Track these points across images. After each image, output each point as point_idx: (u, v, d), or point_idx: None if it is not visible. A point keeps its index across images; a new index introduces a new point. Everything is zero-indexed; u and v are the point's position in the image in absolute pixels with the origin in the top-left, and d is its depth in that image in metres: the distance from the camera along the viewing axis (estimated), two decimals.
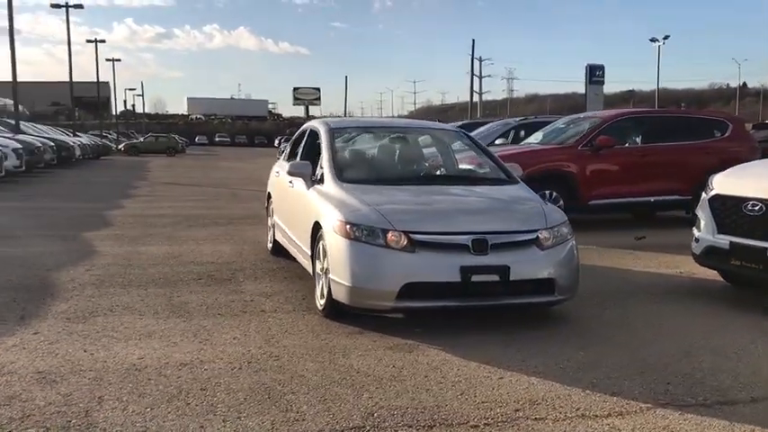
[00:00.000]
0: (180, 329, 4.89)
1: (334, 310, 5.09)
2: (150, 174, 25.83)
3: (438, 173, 6.34)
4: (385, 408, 3.53)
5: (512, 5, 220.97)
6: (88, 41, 52.27)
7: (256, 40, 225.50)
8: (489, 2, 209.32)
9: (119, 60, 63.41)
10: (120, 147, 51.32)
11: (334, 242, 4.94)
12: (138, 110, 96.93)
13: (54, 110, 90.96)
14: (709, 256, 5.99)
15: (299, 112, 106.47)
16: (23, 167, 19.29)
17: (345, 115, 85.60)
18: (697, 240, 6.16)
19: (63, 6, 40.22)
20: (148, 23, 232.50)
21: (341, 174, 5.71)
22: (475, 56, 63.56)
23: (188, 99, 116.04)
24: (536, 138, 11.53)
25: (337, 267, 4.90)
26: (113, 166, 31.40)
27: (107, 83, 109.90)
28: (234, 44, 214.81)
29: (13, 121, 26.41)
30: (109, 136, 58.11)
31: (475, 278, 4.74)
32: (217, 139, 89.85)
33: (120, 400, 3.56)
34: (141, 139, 55.18)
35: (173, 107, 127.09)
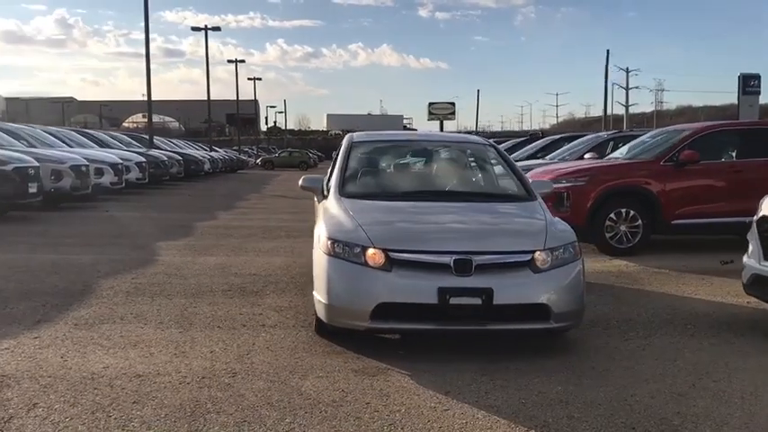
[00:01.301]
0: (167, 340, 4.96)
1: (322, 328, 4.97)
2: (267, 187, 26.84)
3: (450, 188, 6.06)
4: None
5: (663, 15, 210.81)
6: (229, 61, 55.16)
7: (398, 57, 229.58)
8: (640, 12, 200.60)
9: (259, 79, 66.69)
10: (257, 161, 53.76)
11: (317, 258, 4.84)
12: (283, 126, 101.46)
13: (207, 127, 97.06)
14: (755, 285, 5.32)
15: (434, 126, 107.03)
16: (146, 180, 20.60)
17: (476, 129, 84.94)
18: (744, 267, 5.49)
19: (202, 29, 42.83)
20: (298, 44, 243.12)
21: (343, 188, 5.60)
22: (622, 67, 61.21)
23: (328, 115, 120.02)
24: (621, 152, 10.83)
25: (318, 284, 4.79)
26: (240, 180, 32.95)
27: (256, 101, 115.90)
28: (377, 61, 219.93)
29: (165, 138, 28.29)
30: (249, 151, 60.99)
31: (453, 300, 4.46)
32: None
33: (49, 409, 3.63)
34: (277, 154, 57.54)
35: (315, 123, 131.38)
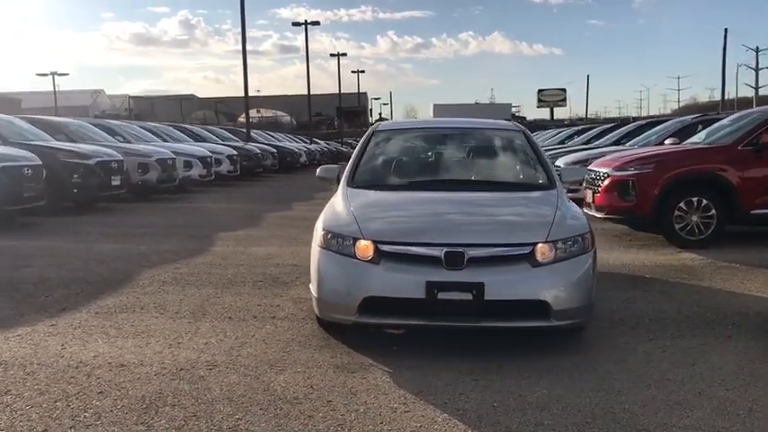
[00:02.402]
0: (171, 330, 5.00)
1: (322, 321, 4.87)
2: None
3: (466, 177, 5.76)
4: (233, 428, 3.29)
5: None
6: (332, 55, 55.94)
7: (510, 44, 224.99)
8: None
9: (362, 72, 67.35)
10: None
11: (312, 250, 4.73)
12: (390, 118, 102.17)
13: (317, 120, 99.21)
14: None
15: (544, 114, 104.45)
16: (238, 172, 21.21)
17: (586, 116, 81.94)
18: None
19: (302, 24, 43.63)
20: (408, 35, 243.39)
21: (353, 178, 5.46)
22: (751, 46, 57.28)
23: (434, 105, 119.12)
24: (699, 137, 10.05)
25: (312, 277, 4.68)
26: None
27: (364, 93, 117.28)
28: (488, 49, 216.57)
29: (270, 132, 29.11)
30: (352, 142, 61.75)
31: (442, 295, 4.23)
32: None
33: (18, 396, 3.71)
34: None
35: (423, 114, 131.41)
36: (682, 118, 13.87)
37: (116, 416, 3.45)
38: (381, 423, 3.38)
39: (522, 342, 4.61)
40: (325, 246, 4.59)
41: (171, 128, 21.84)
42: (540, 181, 5.41)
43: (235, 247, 8.87)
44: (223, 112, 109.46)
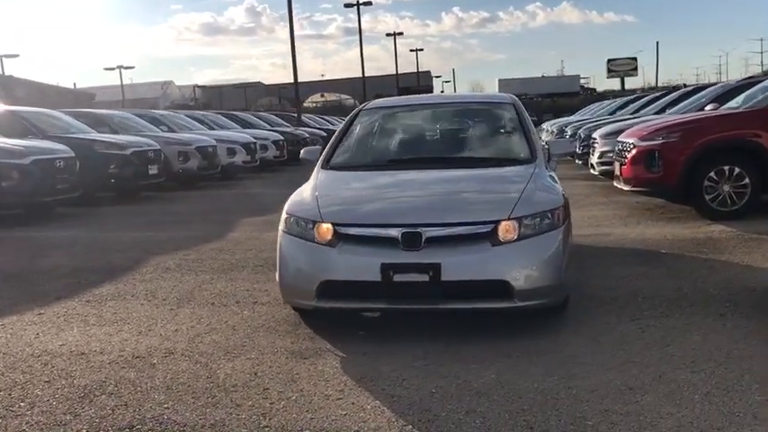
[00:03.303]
0: (149, 318, 5.01)
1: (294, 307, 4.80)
2: None
3: (444, 155, 5.53)
4: (157, 417, 3.25)
5: None
6: (388, 35, 55.63)
7: (580, 14, 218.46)
8: None
9: (421, 50, 66.82)
10: None
11: (278, 234, 4.65)
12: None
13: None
14: None
15: (614, 84, 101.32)
16: (285, 157, 21.32)
17: (656, 85, 78.99)
18: None
19: (354, 5, 43.45)
20: (474, 10, 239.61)
21: (329, 159, 5.34)
22: None
23: (499, 80, 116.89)
24: (737, 101, 9.44)
25: (277, 262, 4.61)
26: None
27: (428, 72, 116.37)
28: (556, 20, 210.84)
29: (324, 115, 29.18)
30: None
31: (398, 278, 4.08)
32: None
33: None
34: None
35: (489, 90, 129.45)
36: (726, 82, 13.08)
37: (50, 405, 3.46)
38: (307, 411, 3.28)
39: (495, 324, 4.41)
40: (288, 230, 4.50)
41: (219, 115, 22.13)
42: (521, 155, 5.16)
43: (250, 232, 8.88)
44: (287, 97, 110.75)
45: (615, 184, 9.44)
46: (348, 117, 5.94)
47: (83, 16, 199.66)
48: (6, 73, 47.94)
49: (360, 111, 6.01)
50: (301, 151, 5.86)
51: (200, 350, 4.24)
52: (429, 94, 7.65)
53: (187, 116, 19.61)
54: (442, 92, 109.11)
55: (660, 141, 8.37)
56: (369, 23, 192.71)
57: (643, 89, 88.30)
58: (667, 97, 14.27)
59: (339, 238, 4.26)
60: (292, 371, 3.82)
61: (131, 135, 14.29)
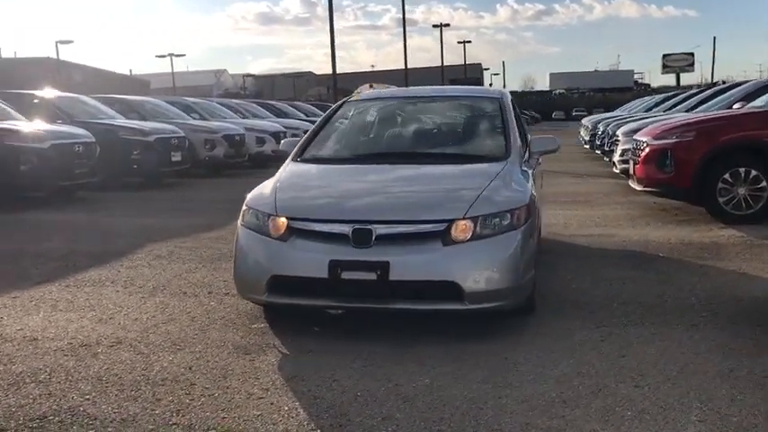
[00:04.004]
0: (117, 305, 5.01)
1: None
2: None
3: (418, 150, 5.36)
4: (73, 409, 3.21)
5: None
6: (434, 26, 55.20)
7: (638, 7, 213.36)
8: None
9: (469, 42, 66.10)
10: None
11: (237, 227, 4.59)
12: (505, 88, 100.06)
13: None
14: None
15: (669, 80, 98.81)
16: None
17: (712, 81, 76.51)
18: None
19: None
20: (529, 2, 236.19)
21: (301, 152, 5.25)
22: None
23: (550, 74, 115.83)
24: (763, 100, 9.01)
25: (233, 255, 4.55)
26: None
27: (479, 64, 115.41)
28: (613, 14, 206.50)
29: None
30: None
31: (346, 275, 3.97)
32: (574, 114, 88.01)
33: None
34: None
35: (541, 84, 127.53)
36: (759, 80, 12.50)
37: None
38: (223, 410, 3.20)
39: (453, 326, 4.26)
40: (245, 222, 4.44)
41: (254, 104, 22.28)
42: (493, 152, 4.97)
43: None
44: (338, 88, 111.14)
45: (630, 183, 9.14)
46: (330, 109, 5.84)
47: (141, 3, 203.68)
48: (61, 59, 49.13)
49: (342, 103, 5.91)
50: (282, 142, 5.78)
51: (149, 341, 4.21)
52: (419, 88, 7.46)
53: (220, 104, 19.79)
54: (491, 84, 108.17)
55: (673, 140, 8.04)
56: (423, 14, 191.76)
57: (699, 86, 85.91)
58: (701, 95, 13.76)
59: (292, 232, 4.18)
60: (228, 366, 3.75)
61: (158, 122, 14.46)
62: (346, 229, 4.04)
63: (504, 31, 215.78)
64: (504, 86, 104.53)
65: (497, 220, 4.08)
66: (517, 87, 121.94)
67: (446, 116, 5.91)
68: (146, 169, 12.96)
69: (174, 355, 3.96)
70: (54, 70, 45.66)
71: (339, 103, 5.92)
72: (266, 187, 4.66)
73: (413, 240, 4.02)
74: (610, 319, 4.47)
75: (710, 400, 3.19)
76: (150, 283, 5.70)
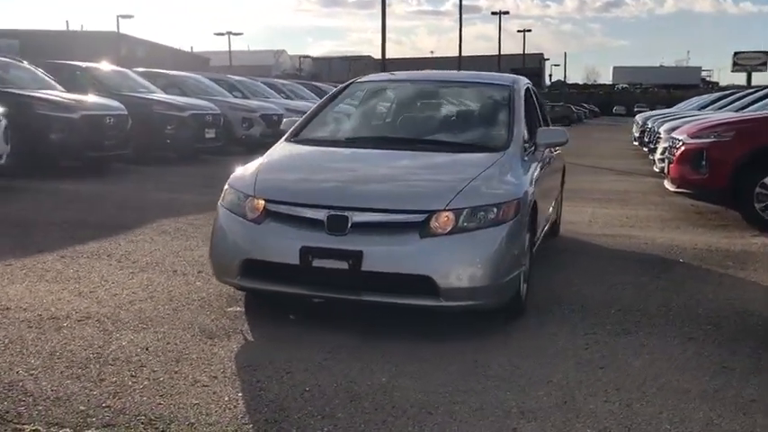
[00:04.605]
0: (102, 280, 4.94)
1: None
2: None
3: (415, 136, 5.10)
4: (12, 384, 3.12)
5: None
6: (493, 13, 54.32)
7: (712, 2, 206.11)
8: None
9: (529, 31, 65.01)
10: None
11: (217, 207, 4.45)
12: (569, 80, 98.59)
13: None
14: None
15: (740, 79, 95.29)
16: None
17: None
18: None
19: None
20: None
21: (296, 133, 5.08)
22: None
23: (614, 68, 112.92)
24: None
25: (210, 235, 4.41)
26: None
27: (541, 54, 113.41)
28: (686, 8, 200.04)
29: None
30: None
31: (317, 263, 3.79)
32: (635, 109, 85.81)
33: None
34: None
35: (605, 77, 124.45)
36: None
37: None
38: (162, 396, 3.07)
39: (433, 322, 4.05)
40: (224, 202, 4.30)
41: (300, 86, 22.23)
42: (492, 142, 4.70)
43: None
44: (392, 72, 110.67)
45: (665, 183, 8.71)
46: (335, 90, 5.65)
47: None
48: (125, 33, 50.13)
49: (349, 84, 5.70)
50: (284, 121, 5.62)
51: (118, 318, 4.11)
52: (433, 72, 7.18)
53: (266, 84, 19.77)
54: (550, 75, 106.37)
55: (710, 140, 7.61)
56: (487, 1, 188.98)
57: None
58: (756, 94, 13.08)
59: (268, 215, 4.01)
60: (185, 350, 3.63)
61: (198, 98, 14.49)
62: (321, 214, 3.86)
63: (569, 22, 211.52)
64: (565, 78, 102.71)
65: (482, 213, 3.84)
66: (579, 80, 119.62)
67: (451, 102, 5.65)
68: (179, 144, 13.01)
69: (137, 334, 3.85)
70: (118, 43, 46.60)
71: (347, 83, 5.72)
72: (249, 168, 4.50)
73: (390, 230, 3.81)
74: (602, 325, 4.18)
75: (683, 423, 2.92)
76: (145, 258, 5.63)
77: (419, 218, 3.79)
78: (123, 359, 3.47)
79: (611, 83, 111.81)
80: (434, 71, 6.71)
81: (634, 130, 20.91)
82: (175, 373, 3.33)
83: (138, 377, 3.26)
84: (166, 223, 7.09)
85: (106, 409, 2.92)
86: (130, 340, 3.74)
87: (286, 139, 5.01)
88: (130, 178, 10.92)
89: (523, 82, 5.57)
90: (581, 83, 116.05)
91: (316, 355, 3.58)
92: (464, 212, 3.81)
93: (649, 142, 14.61)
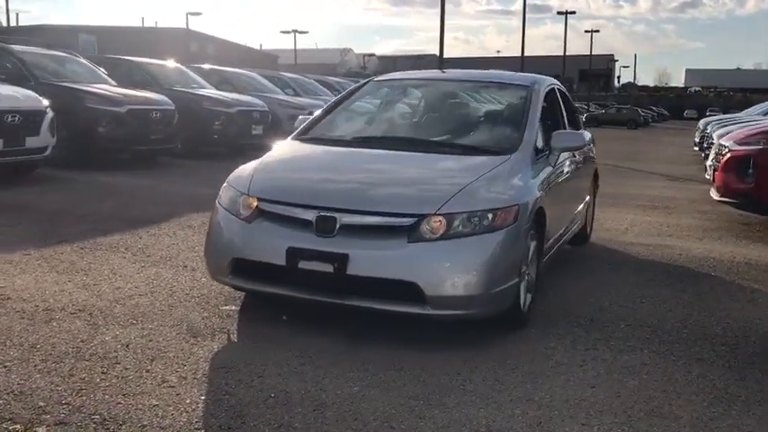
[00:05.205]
0: (109, 272, 4.97)
1: None
2: None
3: (421, 137, 4.93)
4: None
5: None
6: (559, 13, 53.24)
7: None
8: None
9: (597, 31, 63.54)
10: (583, 118, 51.53)
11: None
12: (639, 83, 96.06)
13: None
14: None
15: None
16: None
17: None
18: None
19: None
20: None
21: (304, 131, 5.00)
22: None
23: (686, 71, 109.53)
24: None
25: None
26: None
27: (611, 55, 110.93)
28: None
29: None
30: (578, 107, 58.57)
31: (303, 265, 3.70)
32: (708, 113, 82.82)
33: None
34: (603, 111, 54.44)
35: (677, 80, 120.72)
36: None
37: None
38: (125, 395, 3.03)
39: (427, 329, 3.91)
40: (220, 200, 4.25)
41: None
42: (500, 145, 4.50)
43: None
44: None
45: (710, 192, 8.29)
46: (352, 87, 5.54)
47: None
48: (196, 31, 51.29)
49: (367, 82, 5.59)
50: (297, 119, 5.54)
51: (112, 312, 4.11)
52: (452, 71, 6.95)
53: (318, 81, 19.85)
54: (618, 77, 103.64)
55: (758, 147, 7.20)
56: (558, 1, 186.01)
57: None
58: None
59: (260, 214, 3.95)
60: (165, 348, 3.59)
61: (250, 95, 14.61)
62: (310, 215, 3.77)
63: (643, 22, 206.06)
64: (634, 80, 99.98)
65: (476, 219, 3.68)
66: (650, 82, 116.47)
67: (467, 103, 5.46)
68: (225, 140, 13.14)
69: (123, 329, 3.83)
70: (190, 40, 47.74)
71: (365, 81, 5.61)
72: (249, 165, 4.44)
73: (378, 234, 3.69)
74: (606, 341, 3.96)
75: None
76: (161, 252, 5.66)
77: (408, 222, 3.66)
78: (100, 355, 3.45)
79: (683, 86, 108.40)
80: (458, 70, 6.51)
81: (696, 134, 20.15)
82: (146, 371, 3.29)
83: (108, 374, 3.23)
84: (194, 218, 7.12)
85: (64, 407, 2.89)
86: (114, 336, 3.73)
87: (293, 137, 4.93)
88: (174, 172, 11.07)
89: (546, 83, 5.35)
90: (651, 85, 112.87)
91: (294, 360, 3.49)
92: (457, 217, 3.65)
93: (706, 148, 14.02)
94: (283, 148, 4.75)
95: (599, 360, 3.66)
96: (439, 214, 3.65)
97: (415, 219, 3.65)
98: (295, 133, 5.00)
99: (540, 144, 4.63)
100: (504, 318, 3.89)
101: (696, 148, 18.82)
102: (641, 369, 3.56)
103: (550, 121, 5.23)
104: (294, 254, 3.70)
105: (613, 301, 4.77)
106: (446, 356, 3.61)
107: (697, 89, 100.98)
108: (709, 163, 10.21)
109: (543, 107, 5.05)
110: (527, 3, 37.49)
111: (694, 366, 3.63)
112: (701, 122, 18.95)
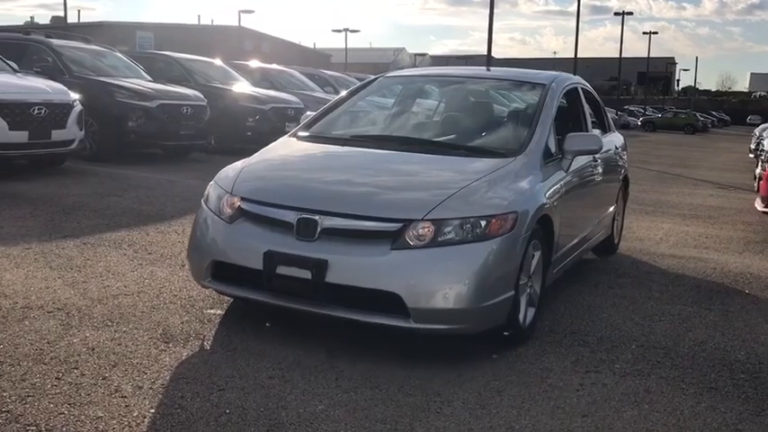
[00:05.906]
0: (105, 270, 4.82)
1: None
2: None
3: (422, 136, 4.63)
4: None
5: None
6: (616, 14, 51.97)
7: None
8: None
9: (655, 33, 62.09)
10: (638, 121, 50.32)
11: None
12: (701, 87, 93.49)
13: (610, 85, 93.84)
14: None
15: None
16: None
17: None
18: None
19: None
20: None
21: (306, 128, 4.76)
22: None
23: (751, 74, 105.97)
24: None
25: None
26: None
27: (672, 58, 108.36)
28: None
29: None
30: (634, 111, 57.22)
31: (281, 270, 3.46)
32: None
33: None
34: (659, 115, 52.97)
35: (743, 84, 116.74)
36: None
37: None
38: (72, 405, 2.83)
39: (414, 343, 3.64)
40: (206, 198, 4.05)
41: None
42: (504, 147, 4.17)
43: None
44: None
45: (755, 203, 7.77)
46: (359, 84, 5.29)
47: None
48: (251, 29, 51.73)
49: (376, 78, 5.32)
50: (303, 116, 5.31)
51: (90, 312, 3.95)
52: (466, 68, 6.63)
53: (359, 80, 19.66)
54: (678, 81, 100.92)
55: None
56: (619, 2, 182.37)
57: None
58: None
59: (241, 214, 3.73)
60: (131, 354, 3.39)
61: (286, 92, 14.50)
62: (291, 216, 3.53)
63: (707, 25, 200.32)
64: (695, 84, 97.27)
65: (468, 226, 3.38)
66: (712, 86, 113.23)
67: (475, 101, 5.12)
68: (258, 137, 12.99)
69: (95, 332, 3.66)
70: (244, 38, 48.17)
71: (374, 77, 5.35)
72: (239, 164, 4.23)
73: (361, 239, 3.42)
74: (611, 363, 3.62)
75: None
76: (163, 250, 5.51)
77: (392, 227, 3.38)
78: (61, 359, 3.28)
79: (747, 90, 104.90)
80: (476, 68, 6.20)
81: (752, 141, 19.29)
82: (103, 379, 3.09)
83: (62, 380, 3.05)
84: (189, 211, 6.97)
85: (3, 415, 2.71)
86: (83, 338, 3.56)
87: (290, 135, 4.71)
88: (202, 168, 10.95)
89: (567, 81, 4.99)
90: (713, 89, 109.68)
91: (263, 372, 3.26)
92: (446, 224, 3.36)
93: (760, 154, 13.32)
94: (276, 147, 4.54)
95: (599, 385, 3.33)
96: (427, 220, 3.37)
97: (401, 224, 3.38)
98: (294, 130, 4.77)
99: (552, 146, 4.29)
100: (507, 335, 3.59)
101: (751, 155, 18.01)
102: (644, 397, 3.22)
103: (571, 123, 4.88)
104: (272, 258, 3.46)
105: (628, 318, 4.41)
106: (430, 374, 3.33)
107: (762, 94, 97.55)
108: (758, 171, 9.65)
109: (561, 107, 4.71)
110: (586, 4, 36.56)
111: (705, 396, 3.27)
112: (758, 129, 18.13)
